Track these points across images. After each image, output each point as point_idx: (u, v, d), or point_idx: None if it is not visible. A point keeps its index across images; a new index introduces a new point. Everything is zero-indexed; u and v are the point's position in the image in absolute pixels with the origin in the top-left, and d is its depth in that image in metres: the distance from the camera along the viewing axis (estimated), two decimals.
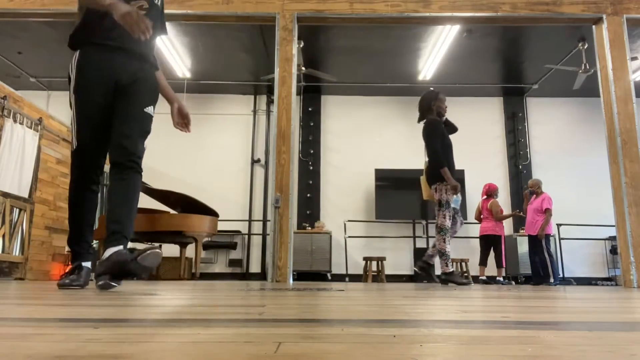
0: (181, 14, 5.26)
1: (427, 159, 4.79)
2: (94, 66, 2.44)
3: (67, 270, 2.51)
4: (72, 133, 2.47)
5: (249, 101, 9.52)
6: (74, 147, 2.46)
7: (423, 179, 4.98)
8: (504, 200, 9.02)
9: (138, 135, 2.48)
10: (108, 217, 2.38)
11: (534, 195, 7.29)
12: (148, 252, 2.22)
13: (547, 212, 6.92)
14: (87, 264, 2.51)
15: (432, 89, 5.78)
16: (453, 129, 4.98)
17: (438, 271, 5.01)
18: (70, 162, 2.52)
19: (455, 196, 4.65)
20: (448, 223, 4.69)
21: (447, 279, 4.67)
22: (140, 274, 2.25)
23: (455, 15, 5.27)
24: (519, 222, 9.02)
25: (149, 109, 2.55)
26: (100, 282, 2.23)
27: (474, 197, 8.84)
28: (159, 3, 2.76)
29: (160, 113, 10.09)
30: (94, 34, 2.48)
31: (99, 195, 2.76)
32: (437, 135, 4.66)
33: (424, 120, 4.82)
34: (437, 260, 4.83)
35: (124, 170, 2.42)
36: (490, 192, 7.56)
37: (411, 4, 5.25)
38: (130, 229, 2.39)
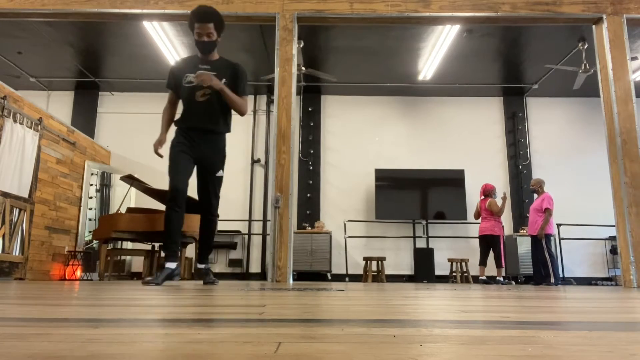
0: (181, 14, 5.26)
1: None
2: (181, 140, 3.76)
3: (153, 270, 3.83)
4: (169, 175, 3.66)
5: (249, 101, 9.53)
6: (170, 185, 3.59)
7: None
8: (499, 199, 9.01)
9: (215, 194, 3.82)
10: (199, 245, 3.84)
11: (535, 195, 7.30)
12: (210, 277, 3.77)
13: (546, 211, 6.92)
14: (171, 265, 3.36)
15: None
16: None
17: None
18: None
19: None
20: None
21: None
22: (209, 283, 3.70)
23: (455, 15, 5.27)
24: (519, 222, 9.03)
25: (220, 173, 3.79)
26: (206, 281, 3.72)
27: (474, 197, 8.84)
28: (226, 83, 3.64)
29: (160, 113, 10.05)
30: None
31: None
32: None
33: None
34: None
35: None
36: (487, 192, 7.56)
37: (411, 4, 5.25)
38: (208, 252, 3.83)
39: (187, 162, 3.61)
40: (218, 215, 3.76)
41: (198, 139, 3.65)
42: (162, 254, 3.71)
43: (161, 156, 3.66)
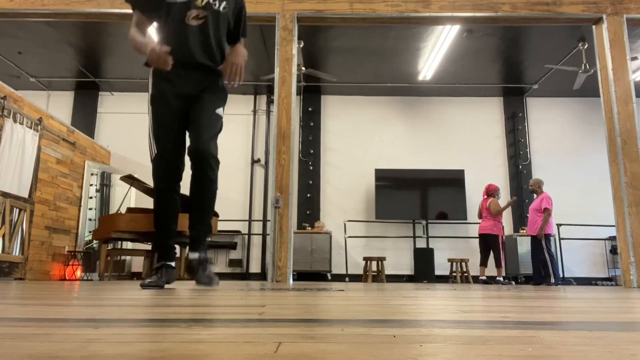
0: None
1: None
2: (166, 80, 2.69)
3: (152, 270, 2.72)
4: (151, 145, 2.67)
5: (249, 101, 9.52)
6: (153, 156, 2.66)
7: None
8: (504, 200, 9.03)
9: (212, 136, 2.69)
10: (189, 220, 2.73)
11: (534, 195, 7.31)
12: (207, 273, 2.69)
13: (545, 211, 6.92)
14: (172, 264, 2.70)
15: None
16: None
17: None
18: (152, 169, 2.69)
19: None
20: None
21: None
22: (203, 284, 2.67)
23: (455, 15, 5.27)
24: (519, 222, 9.03)
25: (219, 110, 2.75)
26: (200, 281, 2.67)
27: (474, 197, 8.84)
28: (226, 10, 2.75)
29: None
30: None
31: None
32: None
33: None
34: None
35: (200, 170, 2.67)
36: (490, 192, 7.58)
37: (411, 4, 5.25)
38: (205, 232, 2.74)
39: (180, 123, 2.65)
40: (216, 174, 2.64)
41: (189, 79, 2.66)
42: (157, 254, 2.73)
43: (169, 65, 2.48)
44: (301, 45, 7.39)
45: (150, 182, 8.50)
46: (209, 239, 2.59)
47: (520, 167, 9.32)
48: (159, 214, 2.68)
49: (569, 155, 9.44)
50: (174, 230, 2.72)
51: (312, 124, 9.42)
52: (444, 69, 8.39)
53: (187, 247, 2.70)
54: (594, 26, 5.37)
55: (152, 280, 2.58)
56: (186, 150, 2.64)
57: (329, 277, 8.51)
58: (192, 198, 2.64)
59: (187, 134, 2.69)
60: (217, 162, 2.64)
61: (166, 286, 2.68)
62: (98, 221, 7.02)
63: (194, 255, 2.65)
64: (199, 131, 2.60)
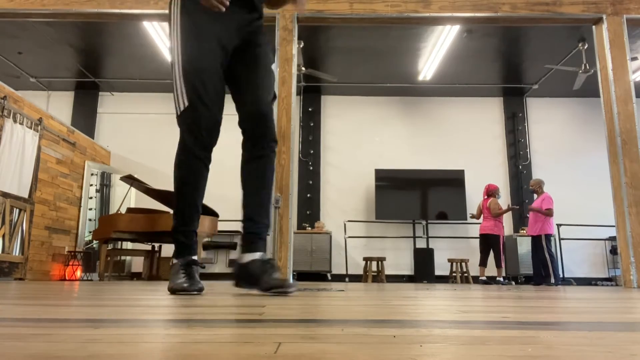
0: None
1: None
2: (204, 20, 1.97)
3: (175, 268, 1.98)
4: (179, 93, 1.93)
5: None
6: (184, 107, 1.93)
7: None
8: (504, 200, 9.03)
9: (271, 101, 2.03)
10: (243, 212, 2.11)
11: (535, 195, 7.31)
12: (277, 277, 1.89)
13: (547, 210, 6.95)
14: (196, 258, 2.07)
15: None
16: None
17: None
18: (180, 127, 1.98)
19: None
20: None
21: None
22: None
23: (455, 15, 5.27)
24: (519, 222, 9.03)
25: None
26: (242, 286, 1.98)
27: (474, 197, 8.84)
28: None
29: (161, 113, 10.02)
30: None
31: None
32: None
33: None
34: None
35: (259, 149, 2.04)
36: (490, 192, 7.58)
37: (411, 4, 5.25)
38: (267, 227, 2.13)
39: (220, 69, 1.97)
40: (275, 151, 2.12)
41: (238, 17, 2.00)
42: (176, 243, 2.04)
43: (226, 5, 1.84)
44: (301, 46, 7.39)
45: (149, 182, 8.41)
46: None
47: (520, 167, 9.32)
48: (188, 189, 2.01)
49: (569, 155, 9.44)
50: (198, 214, 2.11)
51: (312, 124, 9.42)
52: (444, 69, 8.39)
53: (239, 248, 2.05)
54: (594, 26, 5.37)
55: (186, 283, 1.89)
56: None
57: (329, 277, 8.51)
58: (247, 183, 2.13)
59: (232, 95, 2.07)
60: (274, 127, 2.09)
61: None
62: (98, 221, 7.02)
63: (253, 256, 1.97)
64: (259, 90, 1.96)
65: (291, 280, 1.93)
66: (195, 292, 1.89)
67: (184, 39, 1.95)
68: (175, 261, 2.00)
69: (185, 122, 1.95)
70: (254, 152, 2.08)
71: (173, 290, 1.89)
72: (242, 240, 2.06)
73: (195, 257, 2.04)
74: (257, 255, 1.98)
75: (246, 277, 1.95)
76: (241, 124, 2.05)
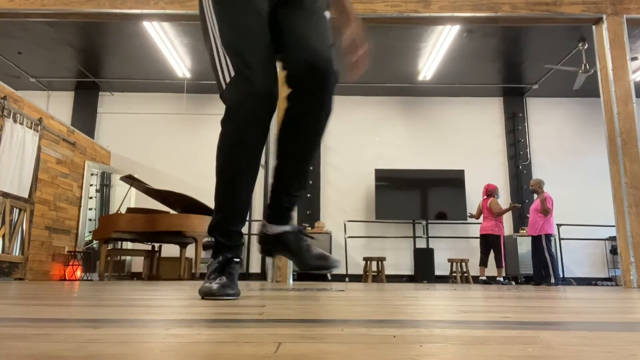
0: (181, 14, 5.26)
1: None
2: None
3: (211, 267, 1.66)
4: (223, 68, 1.61)
5: None
6: (230, 78, 1.59)
7: None
8: (504, 200, 9.03)
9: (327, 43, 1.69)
10: (277, 178, 1.75)
11: (535, 195, 7.32)
12: (316, 252, 1.66)
13: (546, 207, 6.97)
14: (238, 259, 1.70)
15: None
16: None
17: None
18: (227, 102, 1.61)
19: None
20: None
21: None
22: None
23: (455, 15, 5.27)
24: (519, 222, 9.02)
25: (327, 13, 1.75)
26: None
27: (474, 197, 8.84)
28: None
29: (161, 113, 10.01)
30: None
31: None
32: None
33: None
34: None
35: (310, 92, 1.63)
36: (489, 192, 7.59)
37: (411, 4, 5.25)
38: (300, 197, 1.81)
39: (267, 29, 1.66)
40: (332, 101, 1.78)
41: None
42: (215, 239, 1.69)
43: None
44: None
45: (149, 182, 8.39)
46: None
47: (520, 167, 9.32)
48: (237, 178, 1.64)
49: (569, 155, 9.45)
50: (247, 207, 1.72)
51: None
52: (444, 69, 8.39)
53: (264, 220, 1.73)
54: (594, 26, 5.37)
55: (215, 285, 1.54)
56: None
57: (329, 277, 8.51)
58: (286, 138, 1.73)
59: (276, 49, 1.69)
60: (336, 81, 1.71)
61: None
62: (98, 221, 7.03)
63: (284, 228, 1.70)
64: (307, 35, 1.67)
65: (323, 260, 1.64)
66: (227, 298, 1.53)
67: (218, 12, 1.65)
68: (211, 260, 1.70)
69: (231, 99, 1.60)
70: (303, 97, 1.68)
71: (204, 294, 1.54)
72: (270, 209, 1.73)
73: (236, 257, 1.67)
74: (287, 227, 1.72)
75: (280, 248, 1.72)
76: (290, 64, 1.64)
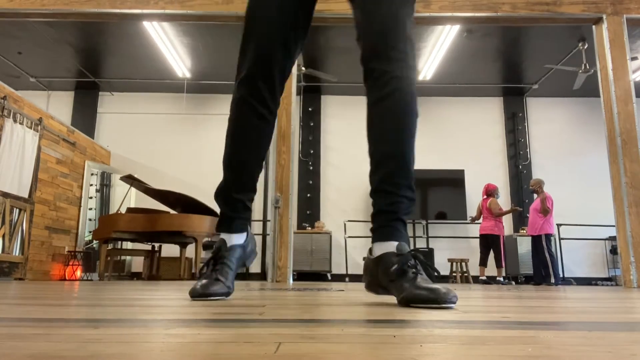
0: (181, 14, 5.26)
1: None
2: None
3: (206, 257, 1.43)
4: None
5: None
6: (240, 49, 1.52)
7: None
8: (504, 200, 9.03)
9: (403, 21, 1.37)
10: (375, 181, 1.50)
11: (535, 195, 7.32)
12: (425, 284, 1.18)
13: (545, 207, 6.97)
14: (239, 241, 1.51)
15: None
16: None
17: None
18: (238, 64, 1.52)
19: None
20: None
21: None
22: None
23: (455, 15, 5.27)
24: (519, 222, 9.02)
25: None
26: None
27: (474, 197, 8.84)
28: None
29: (161, 113, 10.04)
30: None
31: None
32: None
33: None
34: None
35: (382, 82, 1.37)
36: (489, 192, 7.59)
37: None
38: (404, 198, 1.44)
39: (292, 20, 1.48)
40: (415, 82, 1.40)
41: None
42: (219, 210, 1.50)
43: None
44: None
45: (149, 182, 8.43)
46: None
47: (520, 167, 9.32)
48: (231, 143, 1.54)
49: (569, 155, 9.45)
50: (253, 178, 1.57)
51: (312, 124, 9.42)
52: (444, 69, 8.39)
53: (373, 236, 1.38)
54: (594, 26, 5.37)
55: (200, 283, 1.37)
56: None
57: (329, 277, 8.51)
58: (374, 133, 1.53)
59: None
60: (414, 57, 1.39)
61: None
62: (98, 221, 7.03)
63: (386, 248, 1.31)
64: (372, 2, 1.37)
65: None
66: (213, 299, 1.36)
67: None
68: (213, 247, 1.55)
69: (238, 61, 1.51)
70: (376, 82, 1.40)
71: (193, 295, 1.37)
72: (372, 222, 1.42)
73: (235, 240, 1.49)
74: (391, 246, 1.31)
75: (375, 278, 1.32)
76: (366, 51, 1.41)
